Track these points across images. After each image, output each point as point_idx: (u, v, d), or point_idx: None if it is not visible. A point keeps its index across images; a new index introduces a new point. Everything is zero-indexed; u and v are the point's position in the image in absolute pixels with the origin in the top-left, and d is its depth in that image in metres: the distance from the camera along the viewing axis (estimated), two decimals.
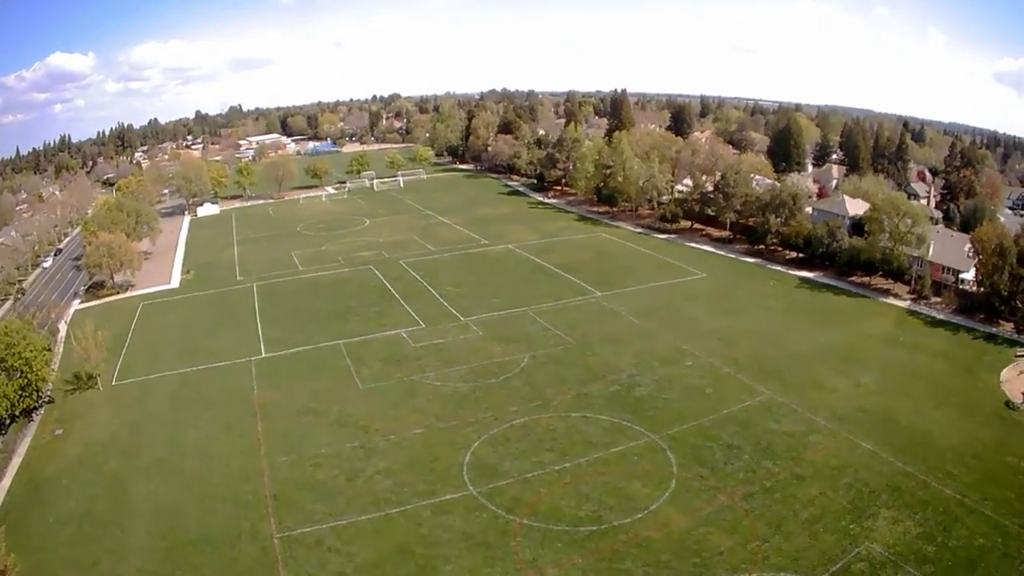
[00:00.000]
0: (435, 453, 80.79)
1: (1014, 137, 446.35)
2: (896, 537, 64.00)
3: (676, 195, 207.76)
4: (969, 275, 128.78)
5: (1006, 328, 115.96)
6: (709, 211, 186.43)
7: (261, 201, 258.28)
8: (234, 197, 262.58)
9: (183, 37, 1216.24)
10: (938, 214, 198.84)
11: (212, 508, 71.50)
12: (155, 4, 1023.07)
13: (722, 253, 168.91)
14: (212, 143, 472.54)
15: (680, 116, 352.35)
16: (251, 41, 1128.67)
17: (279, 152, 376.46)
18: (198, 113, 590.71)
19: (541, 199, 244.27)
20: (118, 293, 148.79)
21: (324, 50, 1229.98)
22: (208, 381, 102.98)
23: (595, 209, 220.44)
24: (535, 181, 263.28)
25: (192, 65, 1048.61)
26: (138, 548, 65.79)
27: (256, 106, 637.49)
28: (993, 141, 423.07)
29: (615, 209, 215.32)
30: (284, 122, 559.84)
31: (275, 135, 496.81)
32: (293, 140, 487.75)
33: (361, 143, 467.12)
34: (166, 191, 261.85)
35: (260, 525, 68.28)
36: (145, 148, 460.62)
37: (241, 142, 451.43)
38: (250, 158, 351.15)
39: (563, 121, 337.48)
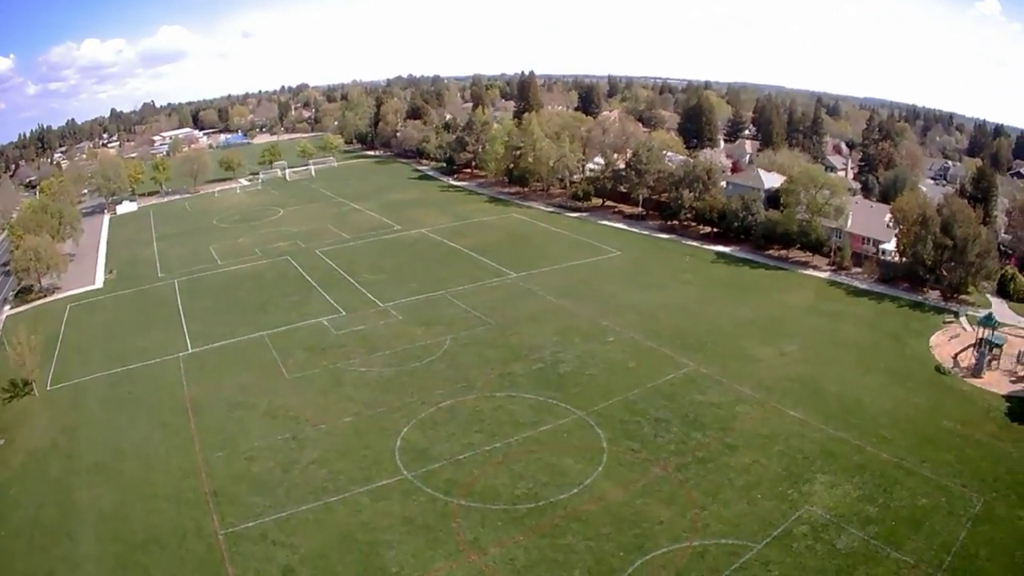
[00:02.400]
0: (366, 440, 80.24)
1: (934, 110, 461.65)
2: (836, 500, 64.80)
3: (587, 174, 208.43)
4: (890, 245, 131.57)
5: (932, 296, 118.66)
6: (622, 188, 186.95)
7: (178, 196, 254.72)
8: (151, 193, 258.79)
9: (97, 35, 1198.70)
10: (856, 185, 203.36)
11: (155, 508, 70.31)
12: (70, 4, 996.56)
13: (636, 230, 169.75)
14: (128, 140, 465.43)
15: (588, 96, 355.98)
16: (162, 37, 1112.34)
17: (192, 146, 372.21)
18: (113, 111, 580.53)
19: (452, 182, 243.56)
20: (46, 296, 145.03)
21: (233, 43, 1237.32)
22: (139, 380, 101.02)
23: (506, 190, 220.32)
24: (445, 165, 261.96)
25: (107, 63, 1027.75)
26: (89, 555, 64.38)
27: (169, 102, 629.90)
28: (912, 114, 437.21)
29: (526, 189, 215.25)
30: (196, 116, 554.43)
31: (188, 129, 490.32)
32: (205, 134, 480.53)
33: (272, 134, 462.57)
34: (85, 191, 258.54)
35: (204, 522, 67.28)
36: (64, 149, 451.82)
37: (155, 138, 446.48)
38: (165, 153, 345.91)
39: (470, 105, 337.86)
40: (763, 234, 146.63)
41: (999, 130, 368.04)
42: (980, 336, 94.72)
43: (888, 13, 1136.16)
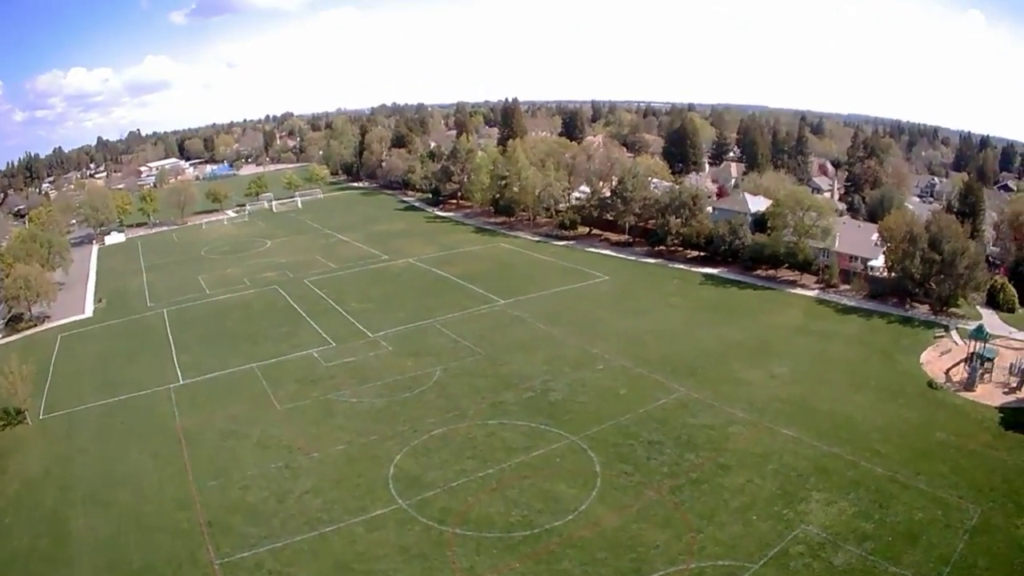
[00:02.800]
0: (359, 469, 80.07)
1: (919, 125, 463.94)
2: (832, 518, 64.83)
3: (573, 202, 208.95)
4: (878, 262, 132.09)
5: (921, 310, 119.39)
6: (608, 216, 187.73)
7: (165, 228, 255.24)
8: (139, 225, 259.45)
9: (84, 64, 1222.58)
10: (842, 206, 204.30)
11: (150, 538, 69.91)
12: (56, 32, 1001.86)
13: (623, 256, 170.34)
14: (115, 171, 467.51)
15: (572, 122, 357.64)
16: (148, 66, 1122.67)
17: (179, 178, 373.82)
18: (100, 140, 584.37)
19: (438, 213, 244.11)
20: (36, 325, 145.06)
21: (217, 72, 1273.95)
22: (131, 410, 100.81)
23: (492, 220, 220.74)
24: (430, 195, 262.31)
25: (93, 91, 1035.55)
26: None
27: (154, 130, 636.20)
28: (897, 129, 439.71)
29: (512, 219, 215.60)
30: (182, 145, 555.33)
31: (174, 160, 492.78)
32: (192, 164, 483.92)
33: (257, 164, 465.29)
34: (74, 221, 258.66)
35: (199, 553, 66.89)
36: (52, 179, 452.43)
37: (142, 169, 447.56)
38: (152, 185, 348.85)
39: (454, 133, 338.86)
40: (751, 256, 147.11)
41: (985, 142, 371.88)
42: (971, 350, 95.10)
43: (871, 28, 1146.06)
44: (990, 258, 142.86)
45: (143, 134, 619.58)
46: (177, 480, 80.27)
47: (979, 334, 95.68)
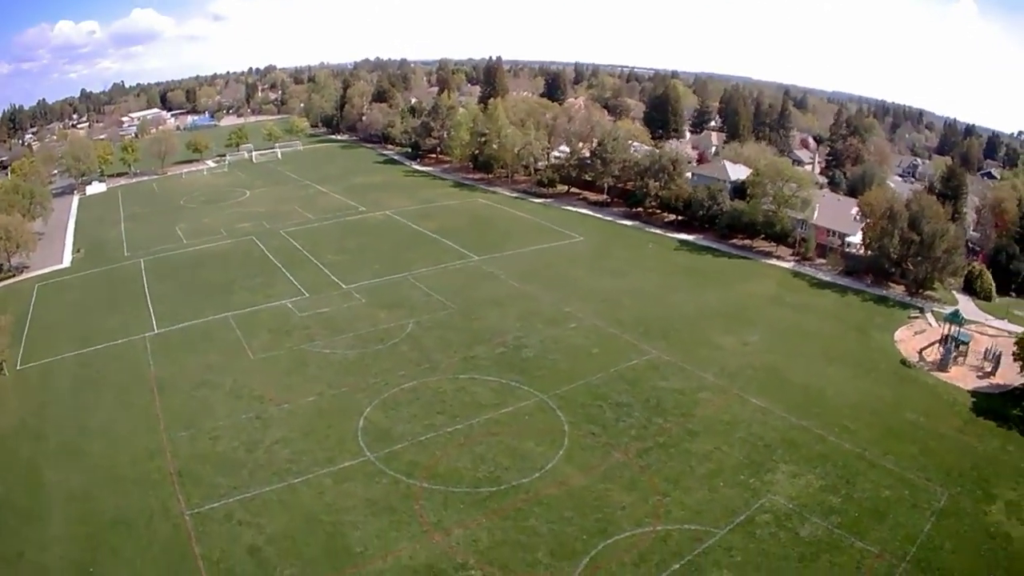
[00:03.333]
0: (329, 420, 79.75)
1: (904, 107, 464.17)
2: (798, 490, 65.09)
3: (552, 161, 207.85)
4: (856, 239, 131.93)
5: (897, 290, 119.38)
6: (587, 176, 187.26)
7: (146, 177, 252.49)
8: (120, 174, 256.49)
9: (71, 17, 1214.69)
10: (823, 180, 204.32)
11: (122, 489, 69.26)
12: None
13: (600, 216, 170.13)
14: (97, 121, 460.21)
15: (554, 83, 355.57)
16: (135, 18, 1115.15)
17: (161, 128, 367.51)
18: (83, 92, 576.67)
19: (416, 167, 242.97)
20: (14, 276, 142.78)
21: (204, 25, 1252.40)
22: (106, 360, 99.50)
23: (471, 176, 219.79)
24: (410, 150, 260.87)
25: (79, 43, 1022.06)
26: (59, 536, 63.38)
27: (138, 82, 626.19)
28: (881, 110, 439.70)
29: (491, 176, 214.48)
30: (164, 97, 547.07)
31: (156, 110, 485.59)
32: (173, 115, 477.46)
33: (238, 115, 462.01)
34: (56, 171, 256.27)
35: (170, 503, 66.51)
36: (35, 130, 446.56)
37: (124, 119, 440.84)
38: (133, 135, 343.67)
39: (436, 90, 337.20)
40: (728, 224, 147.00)
41: (970, 130, 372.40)
42: (946, 332, 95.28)
43: (861, 7, 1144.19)
44: (969, 243, 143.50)
45: (127, 86, 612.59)
46: (149, 430, 79.60)
47: (955, 318, 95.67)
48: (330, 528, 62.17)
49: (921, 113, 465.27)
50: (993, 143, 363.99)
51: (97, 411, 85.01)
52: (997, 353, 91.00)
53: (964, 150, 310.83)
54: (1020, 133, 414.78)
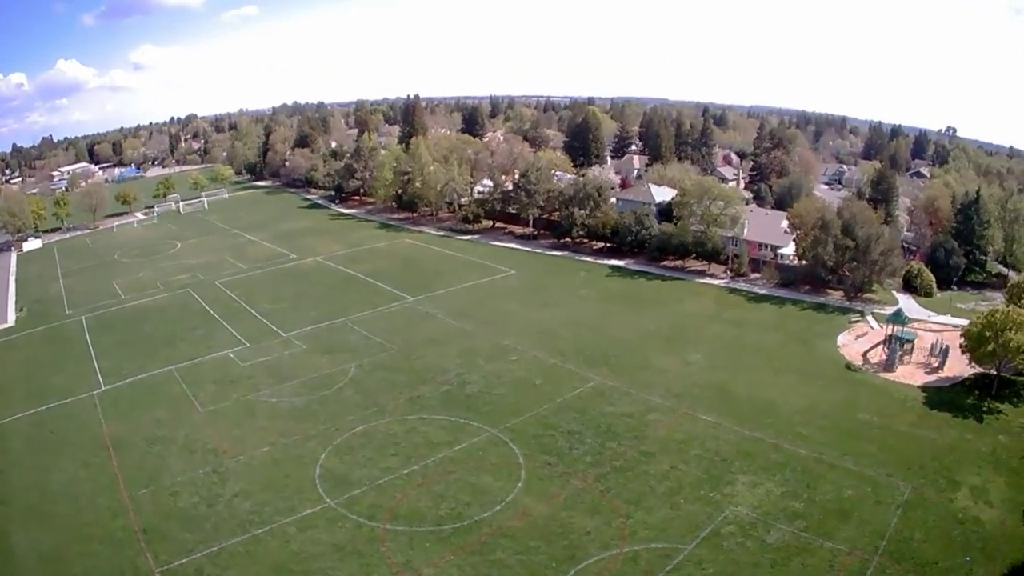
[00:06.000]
0: (286, 470, 79.15)
1: (825, 115, 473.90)
2: (759, 498, 66.26)
3: (476, 196, 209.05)
4: (788, 250, 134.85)
5: (835, 297, 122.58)
6: (511, 209, 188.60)
7: (79, 232, 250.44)
8: (54, 230, 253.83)
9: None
10: (748, 195, 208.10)
11: (91, 550, 68.07)
12: None
13: (528, 249, 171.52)
14: (28, 176, 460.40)
15: (472, 118, 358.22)
16: (59, 69, 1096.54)
17: (90, 181, 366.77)
18: (14, 147, 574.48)
19: (341, 210, 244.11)
20: None
21: (125, 75, 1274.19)
22: (59, 419, 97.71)
23: (396, 216, 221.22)
24: (333, 193, 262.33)
25: (8, 96, 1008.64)
26: None
27: (65, 136, 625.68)
28: (803, 120, 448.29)
29: (415, 214, 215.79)
30: (92, 150, 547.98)
31: (84, 164, 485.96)
32: (101, 168, 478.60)
33: (163, 166, 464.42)
34: None
35: (139, 561, 65.48)
36: None
37: (54, 173, 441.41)
38: (64, 188, 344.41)
39: (355, 131, 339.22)
40: (658, 247, 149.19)
41: (896, 131, 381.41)
42: (889, 332, 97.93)
43: (771, 17, 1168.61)
44: (905, 243, 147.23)
45: (55, 139, 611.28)
46: (109, 489, 78.34)
47: (897, 318, 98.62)
48: None
49: (844, 119, 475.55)
50: (921, 142, 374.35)
51: (56, 472, 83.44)
52: (944, 347, 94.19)
53: (892, 152, 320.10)
54: (948, 129, 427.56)
